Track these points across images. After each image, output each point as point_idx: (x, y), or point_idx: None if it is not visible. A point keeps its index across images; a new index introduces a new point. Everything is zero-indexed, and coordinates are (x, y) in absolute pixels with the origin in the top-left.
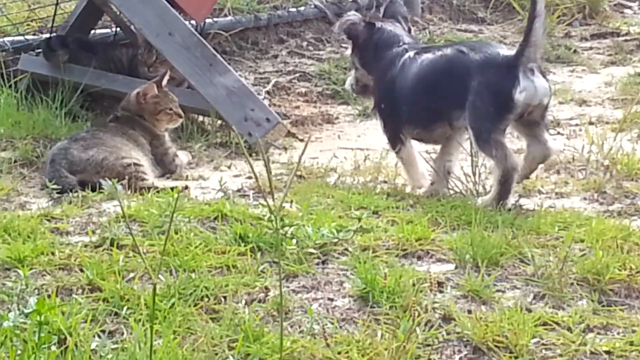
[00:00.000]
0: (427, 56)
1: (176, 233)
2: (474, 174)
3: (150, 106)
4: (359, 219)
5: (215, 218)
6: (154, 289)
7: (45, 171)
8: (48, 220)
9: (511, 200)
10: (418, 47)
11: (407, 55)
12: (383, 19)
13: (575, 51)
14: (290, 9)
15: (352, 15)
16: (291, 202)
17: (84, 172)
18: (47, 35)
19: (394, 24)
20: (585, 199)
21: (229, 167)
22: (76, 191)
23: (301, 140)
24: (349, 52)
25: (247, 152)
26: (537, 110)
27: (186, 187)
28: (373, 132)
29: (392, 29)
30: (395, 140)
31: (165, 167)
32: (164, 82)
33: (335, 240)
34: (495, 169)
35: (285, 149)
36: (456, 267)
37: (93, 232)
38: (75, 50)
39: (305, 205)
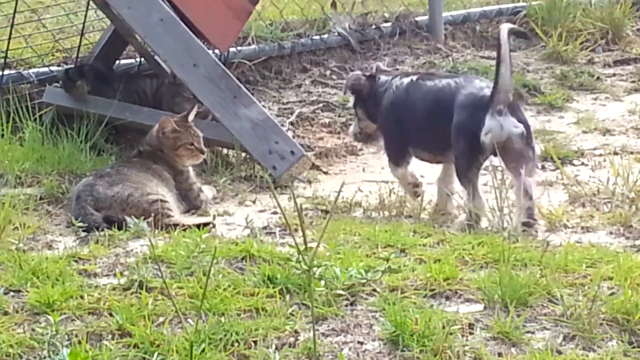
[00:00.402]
0: (428, 83)
1: (204, 275)
2: (500, 210)
3: (170, 141)
4: (387, 259)
5: (243, 258)
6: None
7: (70, 208)
8: (75, 261)
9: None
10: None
11: (405, 80)
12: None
13: (598, 78)
14: (314, 37)
15: (354, 74)
16: (318, 242)
17: (109, 208)
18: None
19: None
20: (611, 233)
21: (254, 202)
22: (102, 229)
23: (325, 173)
24: (351, 104)
25: (272, 186)
26: (511, 142)
27: (212, 225)
28: None
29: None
30: (398, 160)
31: (190, 202)
32: (191, 117)
33: (364, 280)
34: (465, 203)
35: (310, 182)
36: (485, 308)
37: (121, 273)
38: (93, 80)
39: (333, 245)
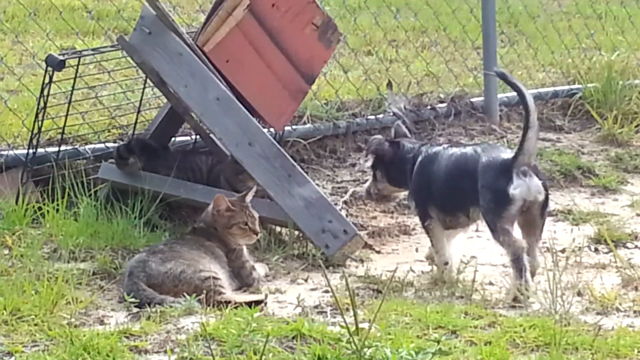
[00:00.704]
0: (454, 151)
1: (255, 354)
2: (552, 292)
3: (224, 219)
4: (438, 341)
5: (294, 337)
6: None
7: (123, 284)
8: (127, 337)
9: (585, 317)
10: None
11: (431, 150)
12: (405, 137)
13: None
14: (369, 117)
15: (377, 138)
16: (370, 324)
17: (162, 285)
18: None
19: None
20: None
21: (306, 280)
22: (154, 305)
23: (378, 252)
24: (368, 164)
25: (324, 266)
26: (534, 206)
27: (264, 303)
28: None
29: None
30: (425, 216)
31: (243, 280)
32: (249, 197)
33: None
34: (506, 254)
35: (362, 260)
36: None
37: (172, 350)
38: (144, 156)
39: (383, 325)
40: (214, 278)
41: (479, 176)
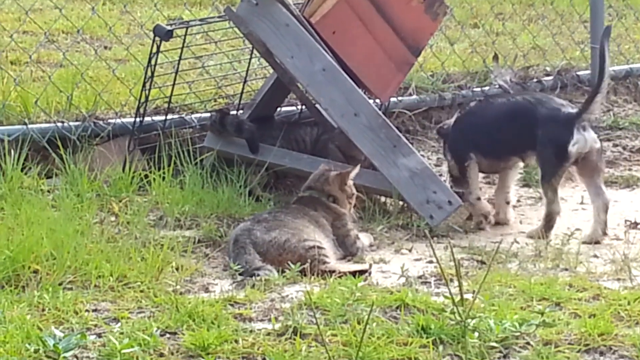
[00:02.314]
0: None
1: (358, 323)
2: None
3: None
4: (542, 313)
5: (398, 307)
6: None
7: (228, 252)
8: (231, 305)
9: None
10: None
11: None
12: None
13: None
14: (475, 89)
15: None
16: (475, 295)
17: (266, 253)
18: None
19: None
20: None
21: (410, 250)
22: (258, 274)
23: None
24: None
25: (429, 235)
26: (591, 155)
27: (368, 272)
28: None
29: None
30: (465, 157)
31: (347, 249)
32: (353, 174)
33: (517, 333)
34: (544, 207)
35: (466, 232)
36: None
37: (276, 319)
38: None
39: (487, 296)
40: (319, 247)
41: (539, 125)
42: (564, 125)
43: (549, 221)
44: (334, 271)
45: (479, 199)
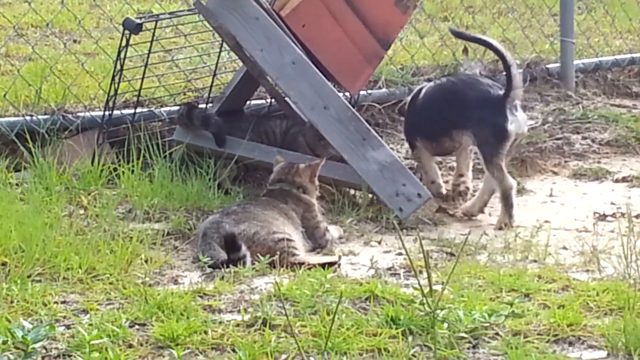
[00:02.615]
0: (431, 84)
1: (327, 314)
2: (626, 257)
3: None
4: (511, 304)
5: (367, 298)
6: None
7: (197, 244)
8: (200, 296)
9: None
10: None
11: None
12: None
13: None
14: None
15: None
16: (444, 286)
17: None
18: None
19: None
20: None
21: (379, 243)
22: (228, 265)
23: (452, 215)
24: None
25: (398, 228)
26: (519, 138)
27: (337, 264)
28: (524, 209)
29: None
30: (413, 143)
31: (316, 241)
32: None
33: (487, 324)
34: (497, 190)
35: (436, 224)
36: (608, 355)
37: (245, 310)
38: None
39: (457, 288)
40: (288, 240)
41: (472, 107)
42: (497, 107)
43: (506, 199)
44: (303, 263)
45: (433, 182)
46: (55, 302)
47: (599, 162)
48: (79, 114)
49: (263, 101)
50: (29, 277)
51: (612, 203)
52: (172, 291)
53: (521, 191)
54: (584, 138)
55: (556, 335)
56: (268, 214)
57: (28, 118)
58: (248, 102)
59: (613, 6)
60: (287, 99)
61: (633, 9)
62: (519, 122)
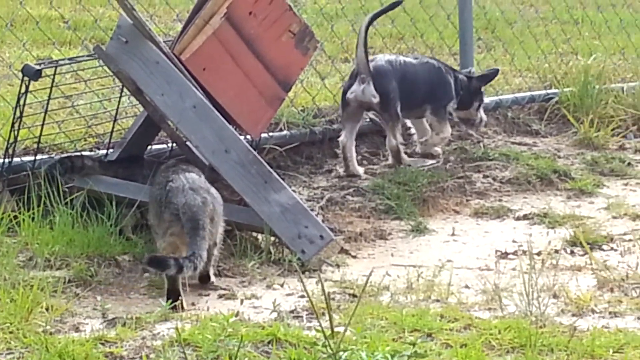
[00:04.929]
0: None
1: (230, 358)
2: (528, 294)
3: None
4: (413, 344)
5: (270, 342)
6: None
7: None
8: (102, 344)
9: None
10: None
11: None
12: None
13: (629, 164)
14: None
15: None
16: (345, 327)
17: None
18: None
19: None
20: (639, 318)
21: (282, 286)
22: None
23: (354, 257)
24: None
25: (300, 271)
26: (374, 109)
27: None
28: (426, 249)
29: None
30: None
31: None
32: None
33: None
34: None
35: (338, 265)
36: None
37: (147, 357)
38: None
39: (359, 329)
40: None
41: None
42: (350, 78)
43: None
44: None
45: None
46: None
47: (500, 200)
48: None
49: (164, 146)
50: None
51: (513, 241)
52: (73, 339)
53: (423, 231)
54: (485, 176)
55: None
56: None
57: None
58: (149, 147)
59: (512, 45)
60: (188, 143)
61: (532, 47)
62: (362, 92)
